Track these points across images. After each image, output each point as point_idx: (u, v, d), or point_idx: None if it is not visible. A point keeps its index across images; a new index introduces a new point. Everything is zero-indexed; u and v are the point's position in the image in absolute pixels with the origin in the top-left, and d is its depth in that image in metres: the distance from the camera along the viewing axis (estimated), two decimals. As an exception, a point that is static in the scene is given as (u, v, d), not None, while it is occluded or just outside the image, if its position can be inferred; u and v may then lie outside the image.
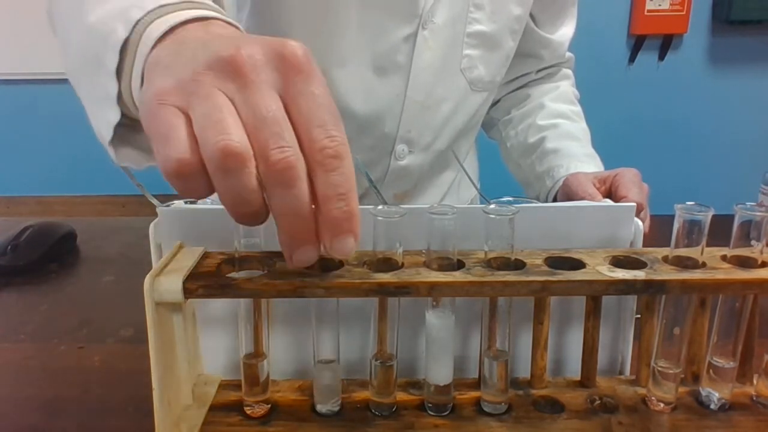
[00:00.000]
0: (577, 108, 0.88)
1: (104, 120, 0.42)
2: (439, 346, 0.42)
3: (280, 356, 0.48)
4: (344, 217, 0.32)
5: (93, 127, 0.44)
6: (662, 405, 0.43)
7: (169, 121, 0.31)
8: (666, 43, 2.36)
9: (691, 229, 0.40)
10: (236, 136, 0.30)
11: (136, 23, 0.39)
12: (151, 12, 0.39)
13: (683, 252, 0.41)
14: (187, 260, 0.41)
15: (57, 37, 0.51)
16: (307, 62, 0.32)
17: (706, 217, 0.40)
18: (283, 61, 0.32)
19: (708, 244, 0.41)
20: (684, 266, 0.41)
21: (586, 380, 0.46)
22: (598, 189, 0.68)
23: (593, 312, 0.44)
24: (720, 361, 0.43)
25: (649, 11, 2.28)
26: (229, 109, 0.31)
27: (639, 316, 0.46)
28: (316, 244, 0.33)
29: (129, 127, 0.43)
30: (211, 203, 0.52)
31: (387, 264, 0.41)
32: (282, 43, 0.33)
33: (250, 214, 0.32)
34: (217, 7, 0.41)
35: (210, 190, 0.32)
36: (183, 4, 0.39)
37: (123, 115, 0.41)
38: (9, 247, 0.79)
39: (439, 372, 0.43)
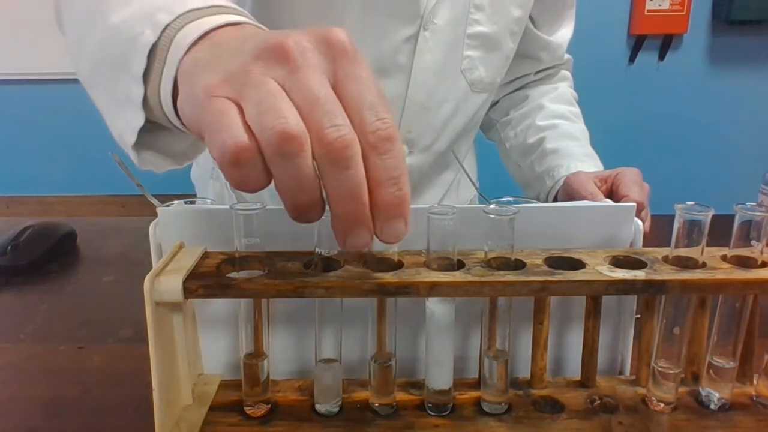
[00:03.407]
0: (576, 109, 0.88)
1: (126, 123, 0.41)
2: (439, 340, 0.42)
3: (280, 356, 0.48)
4: (396, 201, 0.31)
5: (111, 130, 0.44)
6: (662, 405, 0.43)
7: (221, 109, 0.31)
8: (666, 43, 2.36)
9: (691, 229, 0.40)
10: (293, 120, 0.30)
11: (165, 27, 0.38)
12: (181, 16, 0.38)
13: (683, 252, 0.41)
14: (187, 260, 0.41)
15: (66, 35, 0.50)
16: (351, 47, 0.33)
17: (706, 217, 0.40)
18: (329, 46, 0.32)
19: (708, 244, 0.41)
20: (684, 266, 0.41)
21: (586, 380, 0.46)
22: (599, 188, 0.68)
23: (593, 312, 0.44)
24: (720, 361, 0.43)
25: (649, 11, 2.28)
26: (281, 94, 0.31)
27: (639, 316, 0.46)
28: (371, 227, 0.32)
29: (150, 131, 0.43)
30: (210, 203, 0.52)
31: (387, 264, 0.41)
32: (326, 29, 0.33)
33: (308, 205, 0.32)
34: (245, 12, 0.41)
35: (266, 180, 0.32)
36: (211, 9, 0.39)
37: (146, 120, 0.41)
38: (9, 247, 0.79)
39: (439, 376, 0.43)
